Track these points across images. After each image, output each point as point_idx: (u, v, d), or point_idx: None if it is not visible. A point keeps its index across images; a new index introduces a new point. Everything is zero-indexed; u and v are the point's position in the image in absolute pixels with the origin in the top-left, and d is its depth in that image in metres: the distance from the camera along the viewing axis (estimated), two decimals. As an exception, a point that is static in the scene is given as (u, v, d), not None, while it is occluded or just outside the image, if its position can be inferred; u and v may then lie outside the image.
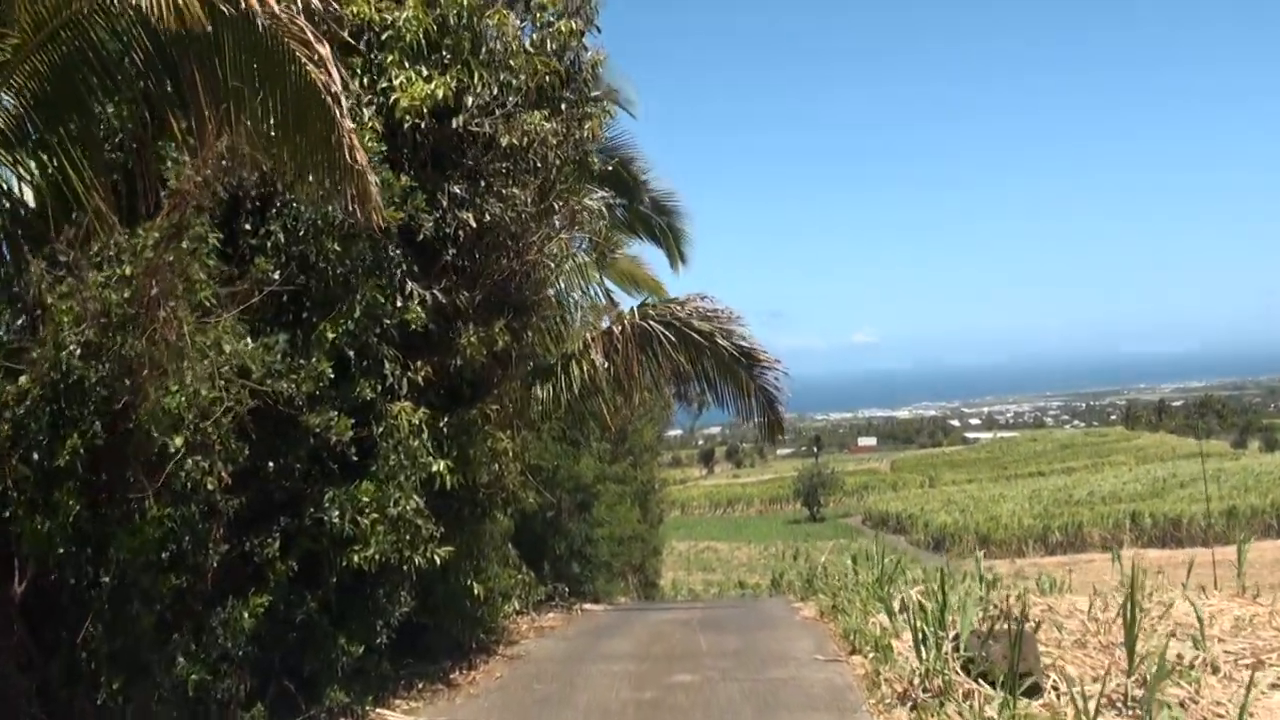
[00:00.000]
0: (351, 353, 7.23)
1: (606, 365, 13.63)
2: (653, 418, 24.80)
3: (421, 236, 7.77)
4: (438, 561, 7.82)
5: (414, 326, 7.69)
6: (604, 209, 13.37)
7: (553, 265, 9.06)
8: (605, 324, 14.31)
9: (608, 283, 15.76)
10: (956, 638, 7.88)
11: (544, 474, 13.92)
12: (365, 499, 7.12)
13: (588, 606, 15.63)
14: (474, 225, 7.84)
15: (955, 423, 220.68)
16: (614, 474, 19.80)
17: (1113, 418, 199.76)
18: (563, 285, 13.52)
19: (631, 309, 13.99)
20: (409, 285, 7.62)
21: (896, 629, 9.47)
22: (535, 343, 11.24)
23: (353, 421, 7.22)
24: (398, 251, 7.71)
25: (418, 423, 7.51)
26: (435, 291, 7.76)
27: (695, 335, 13.38)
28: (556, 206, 9.24)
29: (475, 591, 8.70)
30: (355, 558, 7.13)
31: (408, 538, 7.54)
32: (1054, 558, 66.34)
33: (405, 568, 7.70)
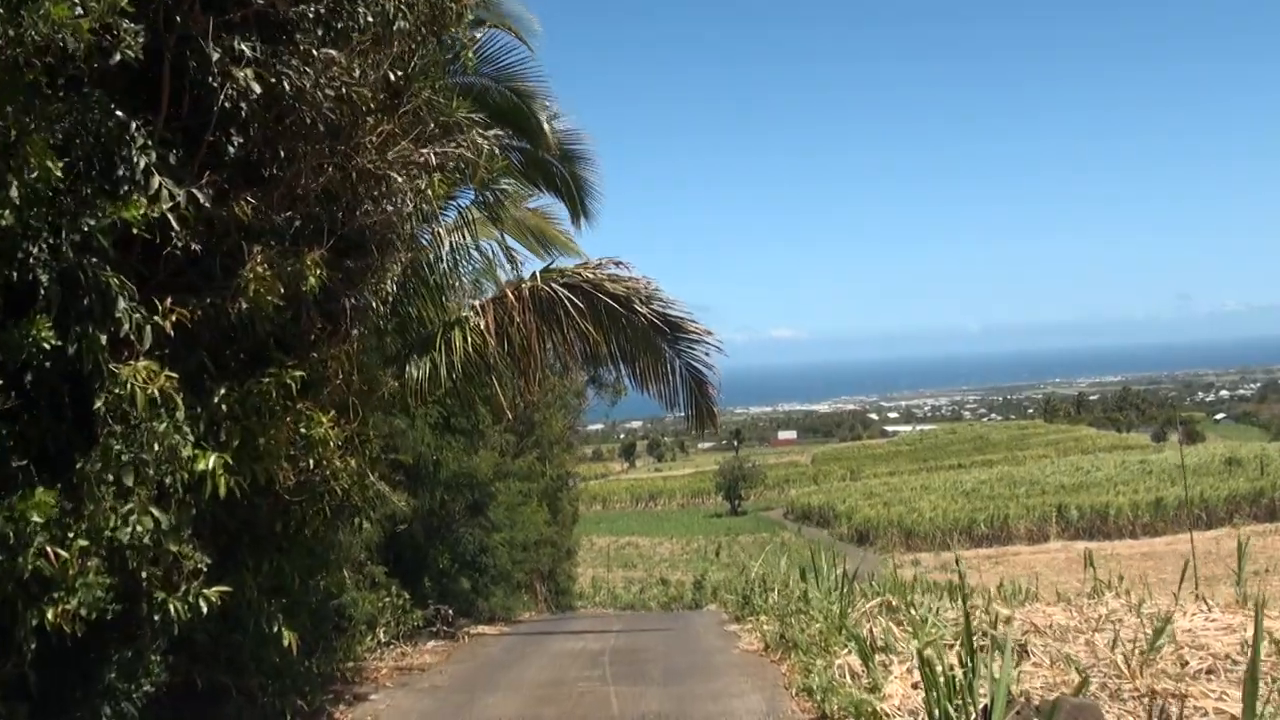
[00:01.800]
0: (39, 275, 4.50)
1: (499, 338, 11.06)
2: (564, 406, 22.22)
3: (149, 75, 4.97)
4: (205, 607, 5.12)
5: (163, 241, 4.97)
6: (496, 150, 10.78)
7: (407, 190, 6.43)
8: (496, 290, 11.78)
9: (510, 241, 13.11)
10: (986, 713, 5.39)
11: (421, 471, 11.28)
12: (48, 518, 4.38)
13: (480, 630, 13.01)
14: (257, 92, 5.16)
15: (874, 416, 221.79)
16: (517, 470, 17.18)
17: (1029, 411, 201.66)
18: (440, 233, 10.93)
19: (533, 273, 11.43)
20: (154, 178, 4.87)
21: (876, 680, 6.99)
22: (394, 299, 8.58)
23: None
24: (121, 111, 4.93)
25: (161, 394, 4.80)
26: (197, 190, 5.03)
27: (608, 301, 10.84)
28: (413, 104, 6.59)
29: (285, 641, 6.03)
30: (50, 612, 4.43)
31: (150, 574, 4.89)
32: (980, 550, 65.75)
33: (156, 619, 5.04)
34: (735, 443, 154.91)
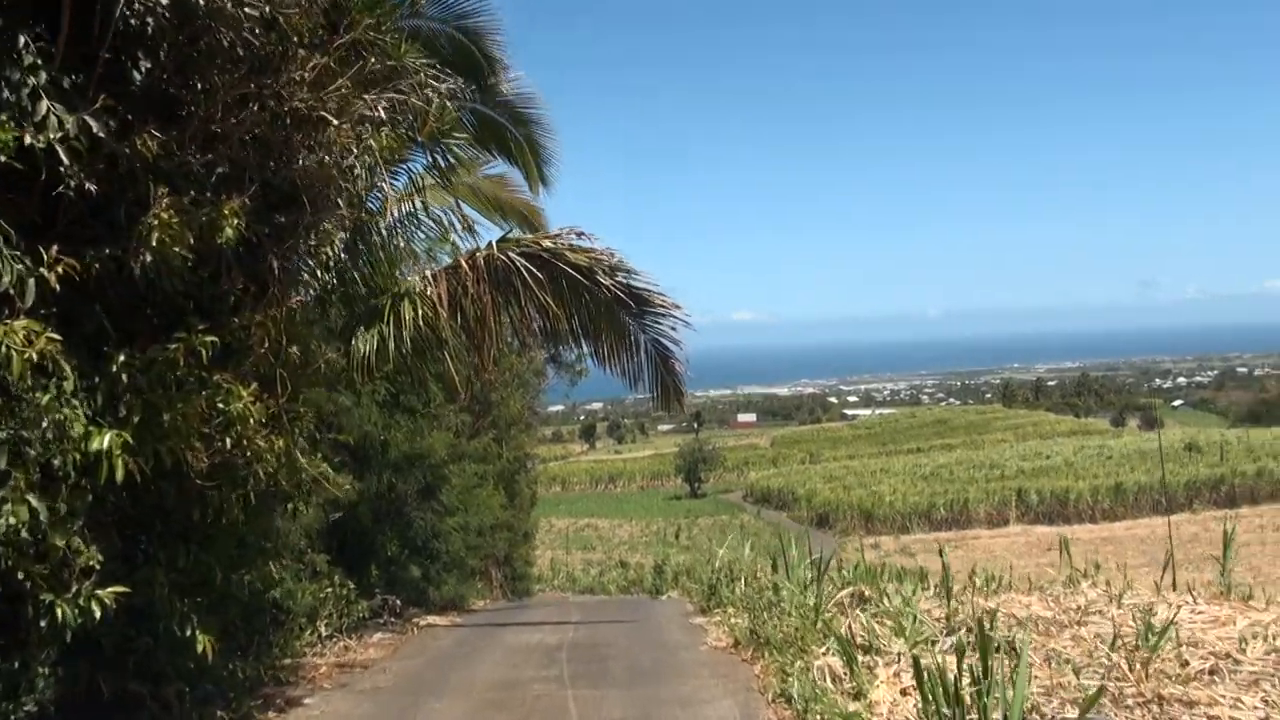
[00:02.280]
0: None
1: (452, 310, 10.33)
2: (523, 385, 21.46)
3: None
4: (98, 610, 4.37)
5: (53, 179, 4.18)
6: (448, 103, 10.02)
7: (349, 141, 5.69)
8: (450, 259, 11.05)
9: (467, 210, 12.33)
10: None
11: (368, 451, 10.54)
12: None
13: (430, 620, 12.29)
14: (164, 1, 4.35)
15: (834, 400, 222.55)
16: (473, 451, 16.42)
17: (988, 396, 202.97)
18: (390, 196, 10.13)
19: (489, 243, 10.69)
20: (41, 102, 4.07)
21: (861, 685, 6.35)
22: (339, 266, 7.82)
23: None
24: (11, 26, 4.12)
25: (45, 360, 4.02)
26: (92, 118, 4.22)
27: (569, 272, 10.13)
28: (351, 35, 5.83)
29: (199, 647, 5.25)
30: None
31: (32, 572, 4.15)
32: (940, 533, 65.90)
33: (42, 624, 4.30)
34: (695, 425, 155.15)
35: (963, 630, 8.45)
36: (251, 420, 5.24)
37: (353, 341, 10.32)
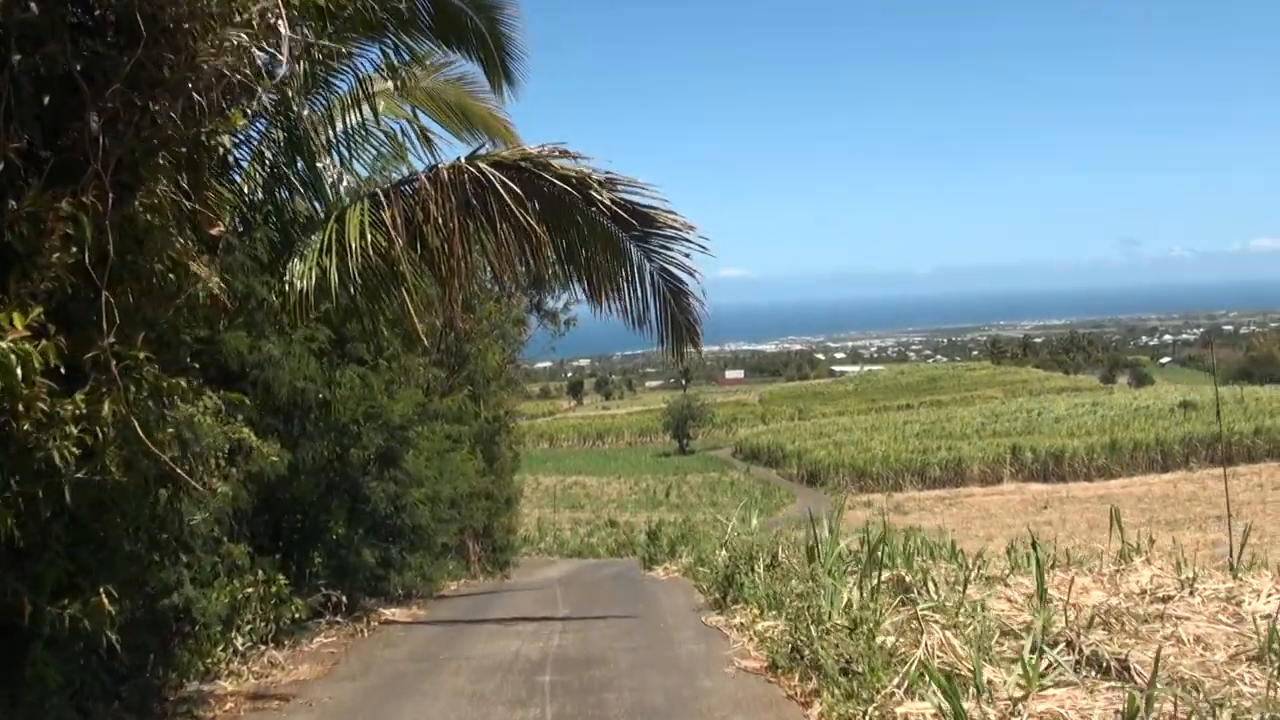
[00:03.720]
0: None
1: (410, 237, 8.25)
2: (503, 336, 19.30)
3: None
4: None
5: None
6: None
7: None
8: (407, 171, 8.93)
9: (426, 120, 10.18)
10: None
11: (305, 412, 8.45)
12: None
13: (390, 614, 10.24)
14: None
15: (821, 356, 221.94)
16: (446, 410, 14.35)
17: (975, 353, 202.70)
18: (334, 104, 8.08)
19: (458, 157, 8.60)
20: None
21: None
22: (265, 182, 5.76)
23: None
24: None
25: None
26: None
27: (557, 185, 8.01)
28: None
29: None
30: None
31: None
32: (933, 491, 65.13)
33: None
34: (683, 381, 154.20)
35: (1063, 645, 6.46)
36: (20, 370, 3.22)
37: (285, 274, 8.23)
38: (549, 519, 55.36)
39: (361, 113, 9.47)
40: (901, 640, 6.35)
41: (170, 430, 4.93)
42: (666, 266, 8.24)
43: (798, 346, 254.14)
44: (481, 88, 10.87)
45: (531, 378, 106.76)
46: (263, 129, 8.98)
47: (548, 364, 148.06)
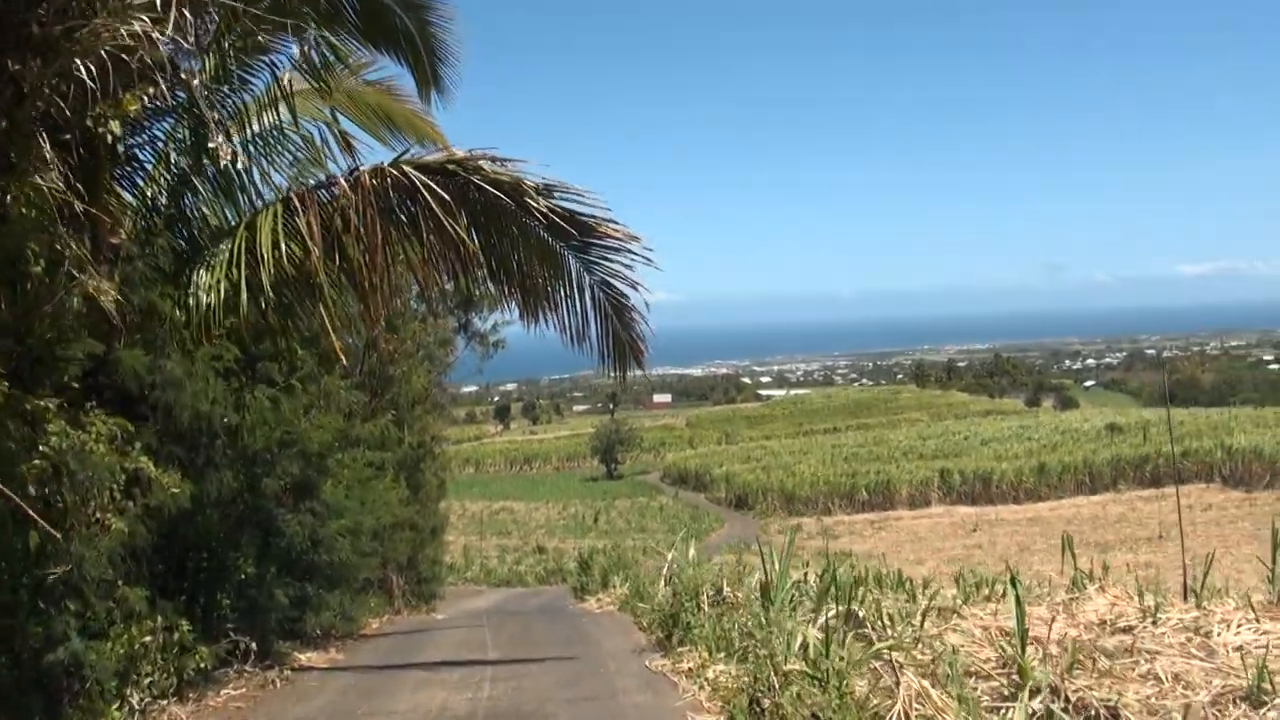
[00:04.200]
0: None
1: (328, 247, 7.54)
2: (429, 358, 18.46)
3: None
4: None
5: None
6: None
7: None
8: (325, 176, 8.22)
9: (347, 124, 9.45)
10: None
11: (209, 439, 7.66)
12: None
13: (305, 659, 9.42)
14: None
15: (747, 380, 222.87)
16: (367, 436, 13.54)
17: (899, 377, 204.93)
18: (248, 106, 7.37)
19: (381, 161, 7.91)
20: None
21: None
22: (170, 188, 5.08)
23: None
24: None
25: None
26: None
27: (489, 192, 7.37)
28: None
29: None
30: None
31: None
32: (862, 515, 65.12)
33: None
34: (611, 405, 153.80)
35: (1045, 691, 5.91)
36: None
37: (190, 287, 7.48)
38: (476, 546, 54.25)
39: (278, 113, 8.79)
40: (873, 689, 5.76)
41: (39, 462, 4.20)
42: (608, 280, 7.62)
43: (724, 370, 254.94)
44: (405, 91, 10.21)
45: (458, 402, 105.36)
46: (168, 128, 8.26)
47: (474, 388, 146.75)
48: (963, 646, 7.13)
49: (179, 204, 8.07)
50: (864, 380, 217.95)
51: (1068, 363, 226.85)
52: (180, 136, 8.08)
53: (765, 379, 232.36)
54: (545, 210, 7.22)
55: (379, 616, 14.32)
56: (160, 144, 8.17)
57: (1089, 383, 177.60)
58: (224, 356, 7.38)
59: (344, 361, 8.50)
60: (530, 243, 7.57)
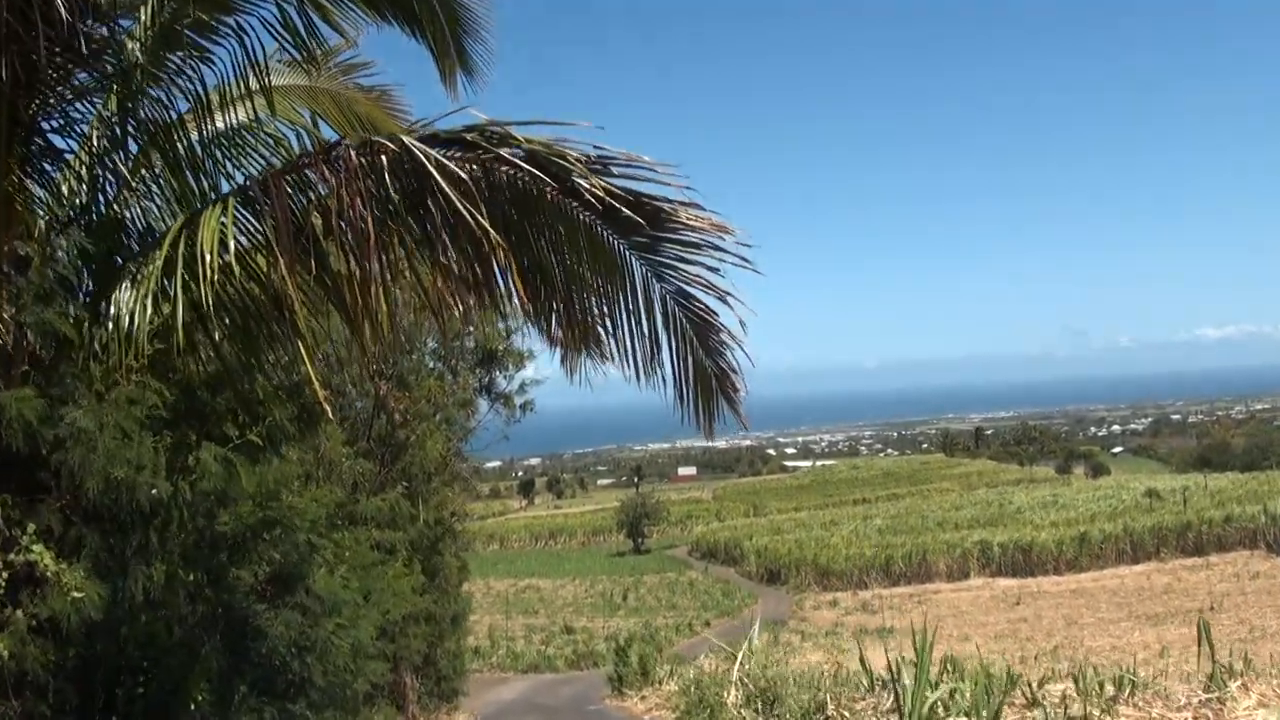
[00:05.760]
0: None
1: (299, 251, 5.47)
2: (447, 420, 16.24)
3: None
4: None
5: None
6: None
7: None
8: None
9: (327, 130, 7.44)
10: None
11: (137, 517, 5.51)
12: None
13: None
14: None
15: (772, 452, 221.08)
16: (374, 512, 11.37)
17: (925, 446, 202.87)
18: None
19: (374, 136, 5.87)
20: None
21: None
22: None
23: None
24: None
25: None
26: None
27: (524, 171, 5.31)
28: None
29: None
30: None
31: None
32: (899, 588, 62.96)
33: None
34: (636, 479, 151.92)
35: None
36: None
37: (110, 308, 5.41)
38: (502, 626, 51.86)
39: (247, 108, 6.80)
40: None
41: None
42: (686, 288, 5.47)
43: (748, 442, 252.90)
44: (403, 107, 8.24)
45: (480, 476, 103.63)
46: (97, 109, 6.27)
47: (497, 463, 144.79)
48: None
49: (100, 197, 6.05)
50: (889, 450, 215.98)
51: (1093, 429, 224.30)
52: (107, 116, 6.09)
53: (790, 450, 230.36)
54: (600, 194, 5.12)
55: (386, 734, 12.08)
56: (82, 129, 6.19)
57: (1117, 449, 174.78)
58: (147, 401, 5.26)
59: (329, 413, 6.40)
60: (578, 240, 5.46)
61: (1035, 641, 38.96)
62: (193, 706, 6.25)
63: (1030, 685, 9.13)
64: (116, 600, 5.30)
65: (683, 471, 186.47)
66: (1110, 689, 8.64)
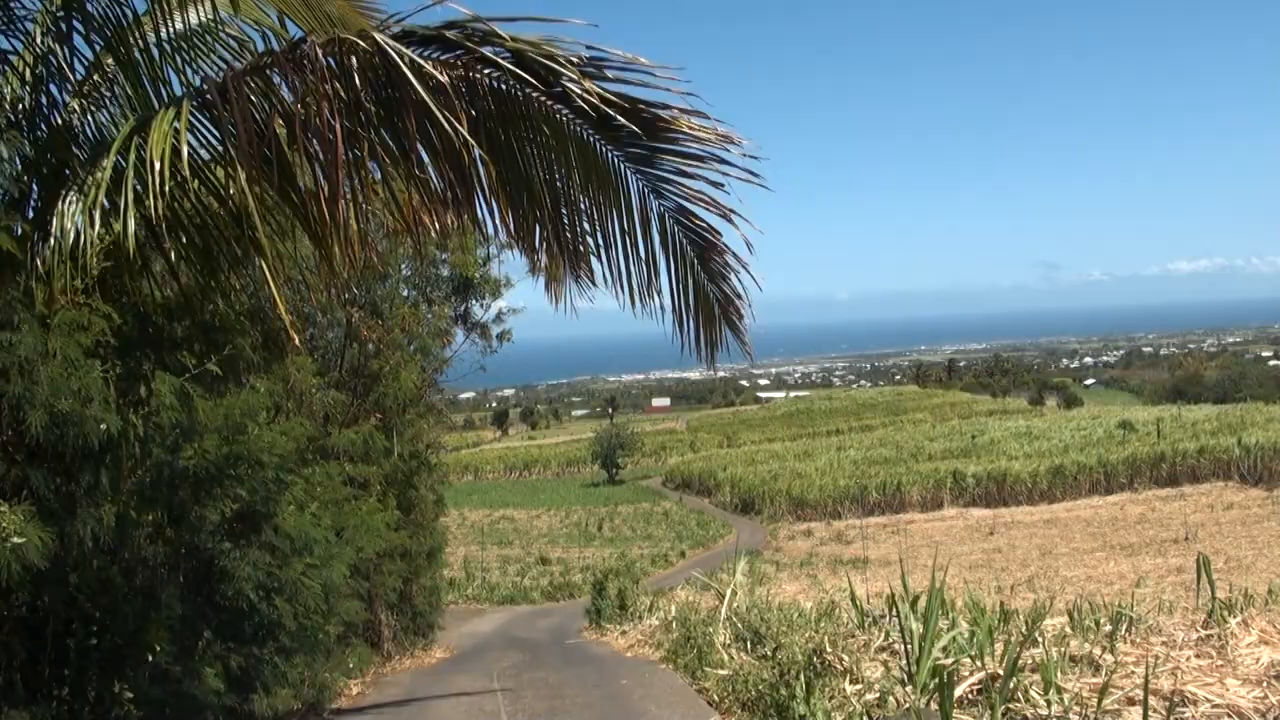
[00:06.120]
0: None
1: (258, 160, 4.94)
2: (422, 350, 15.60)
3: None
4: None
5: None
6: None
7: None
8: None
9: (295, 30, 6.82)
10: None
11: (84, 454, 5.03)
12: None
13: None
14: None
15: (745, 383, 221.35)
16: (346, 445, 10.91)
17: (898, 378, 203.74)
18: None
19: (340, 32, 5.28)
20: None
21: None
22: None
23: None
24: None
25: None
26: None
27: (508, 75, 4.79)
28: None
29: None
30: None
31: None
32: (873, 519, 63.25)
33: None
34: (610, 410, 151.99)
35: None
36: None
37: (52, 221, 4.88)
38: (477, 557, 51.75)
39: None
40: None
41: None
42: (687, 205, 4.98)
43: (722, 374, 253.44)
44: (378, 7, 7.58)
45: (455, 408, 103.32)
46: (42, 2, 5.68)
47: (471, 394, 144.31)
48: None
49: (52, 110, 5.49)
50: (862, 381, 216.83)
51: (1065, 361, 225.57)
52: (54, 10, 5.50)
53: (763, 381, 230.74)
54: (593, 99, 4.60)
55: (363, 673, 11.64)
56: (28, 25, 5.60)
57: (1090, 381, 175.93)
58: (95, 327, 4.75)
59: (296, 341, 5.90)
60: (568, 152, 4.95)
61: (1010, 572, 39.12)
62: (150, 658, 5.79)
63: (1025, 622, 8.86)
64: (65, 546, 4.83)
65: (656, 403, 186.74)
66: (1106, 625, 8.40)
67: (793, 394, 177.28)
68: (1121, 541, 46.64)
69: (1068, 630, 8.26)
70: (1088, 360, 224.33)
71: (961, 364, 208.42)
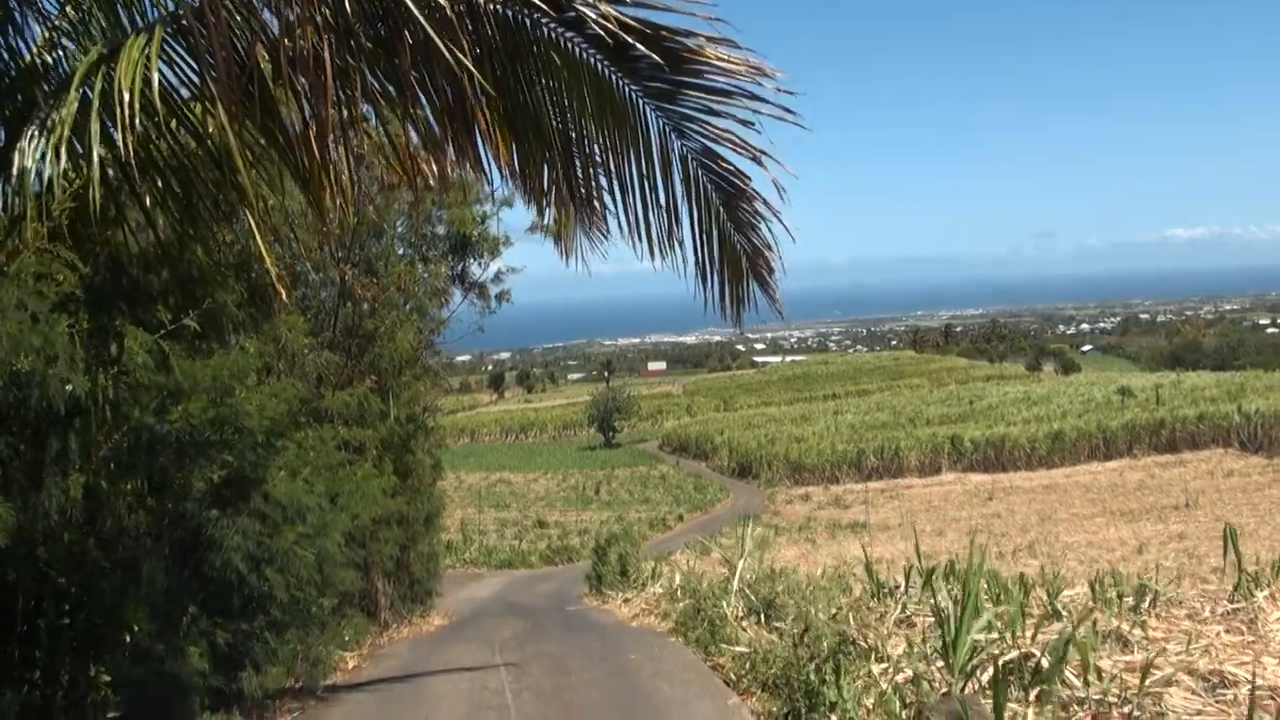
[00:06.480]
0: None
1: (239, 97, 4.46)
2: (418, 309, 15.06)
3: None
4: None
5: None
6: None
7: None
8: None
9: None
10: None
11: (49, 421, 4.59)
12: None
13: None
14: None
15: (741, 348, 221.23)
16: (340, 408, 10.47)
17: (894, 343, 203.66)
18: None
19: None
20: None
21: None
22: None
23: None
24: None
25: None
26: None
27: (534, 3, 4.32)
28: None
29: None
30: None
31: None
32: (871, 483, 63.30)
33: None
34: (606, 374, 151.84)
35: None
36: None
37: (14, 161, 4.42)
38: (474, 520, 51.52)
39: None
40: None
41: None
42: (713, 147, 4.51)
43: (718, 338, 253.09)
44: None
45: (451, 370, 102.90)
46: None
47: (467, 356, 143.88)
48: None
49: (20, 40, 5.00)
50: (859, 346, 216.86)
51: (1062, 327, 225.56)
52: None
53: (759, 346, 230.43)
54: (610, 25, 4.13)
55: (361, 644, 11.26)
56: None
57: (1086, 347, 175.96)
58: (64, 277, 4.29)
59: (283, 295, 5.43)
60: (580, 87, 4.48)
61: (1010, 537, 38.98)
62: (129, 637, 5.36)
63: (1048, 593, 8.52)
64: (32, 518, 4.39)
65: (652, 366, 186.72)
66: (1129, 598, 8.10)
67: (789, 358, 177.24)
68: (1122, 507, 46.58)
69: (1091, 604, 7.95)
70: (1084, 327, 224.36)
71: (958, 329, 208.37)
